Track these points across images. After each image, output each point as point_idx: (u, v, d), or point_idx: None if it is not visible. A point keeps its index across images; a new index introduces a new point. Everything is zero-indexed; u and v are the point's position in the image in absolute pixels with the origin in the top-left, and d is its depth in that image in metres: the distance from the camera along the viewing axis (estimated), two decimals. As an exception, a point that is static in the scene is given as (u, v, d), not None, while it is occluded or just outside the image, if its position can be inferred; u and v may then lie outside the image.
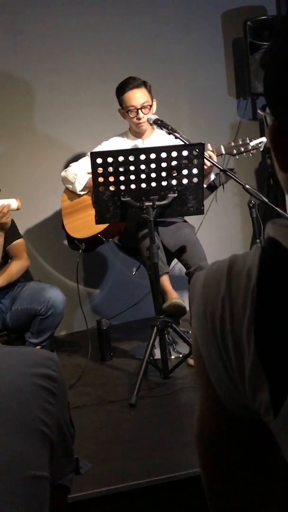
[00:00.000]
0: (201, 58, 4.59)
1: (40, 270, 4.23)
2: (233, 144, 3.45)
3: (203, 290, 0.78)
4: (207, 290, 0.77)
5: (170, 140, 3.37)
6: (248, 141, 3.43)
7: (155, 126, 3.48)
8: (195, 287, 0.79)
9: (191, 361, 3.32)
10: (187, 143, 3.20)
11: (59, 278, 4.29)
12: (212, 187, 3.56)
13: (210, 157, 3.26)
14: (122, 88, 3.51)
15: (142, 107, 3.47)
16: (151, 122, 3.43)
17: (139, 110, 3.47)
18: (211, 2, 4.58)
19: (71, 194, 3.63)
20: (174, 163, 3.07)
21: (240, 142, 3.44)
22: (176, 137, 3.27)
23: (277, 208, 3.32)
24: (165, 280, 3.30)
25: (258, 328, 0.71)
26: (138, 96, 3.47)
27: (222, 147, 3.45)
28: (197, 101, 4.59)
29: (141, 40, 4.43)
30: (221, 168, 3.22)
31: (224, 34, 4.65)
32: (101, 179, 3.08)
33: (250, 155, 3.50)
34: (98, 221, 3.19)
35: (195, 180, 3.12)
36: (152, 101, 3.51)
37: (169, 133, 3.31)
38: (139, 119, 3.48)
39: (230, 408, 0.77)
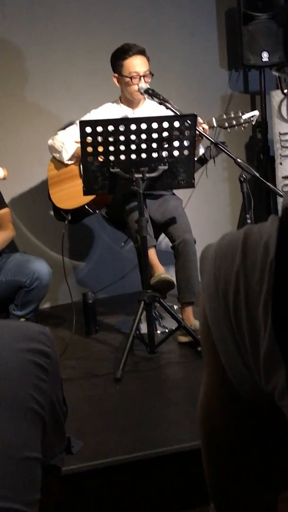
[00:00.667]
0: (193, 29, 4.49)
1: (25, 241, 4.16)
2: (225, 116, 3.38)
3: (215, 264, 0.72)
4: (219, 264, 0.71)
5: (161, 111, 3.29)
6: (240, 114, 3.36)
7: (146, 96, 3.39)
8: (206, 259, 0.73)
9: (180, 338, 3.29)
10: (179, 114, 3.13)
11: (44, 249, 4.22)
12: (203, 160, 3.49)
13: (203, 130, 3.19)
14: (124, 53, 3.40)
15: (145, 75, 3.37)
16: (142, 91, 3.33)
17: (142, 78, 3.37)
18: None
19: (58, 163, 3.54)
20: (165, 134, 2.99)
21: (232, 115, 3.37)
22: (167, 108, 3.19)
23: (268, 183, 3.28)
24: (152, 254, 3.25)
25: (276, 305, 0.65)
26: (142, 63, 3.39)
27: (213, 119, 3.37)
28: (188, 72, 4.51)
29: (132, 10, 4.32)
30: (213, 141, 3.16)
31: (217, 4, 4.56)
32: (89, 149, 3.00)
33: (242, 128, 3.43)
34: (86, 192, 3.11)
35: (186, 152, 3.05)
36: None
37: (160, 103, 3.23)
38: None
39: (241, 390, 0.72)
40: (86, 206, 3.43)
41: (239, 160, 3.13)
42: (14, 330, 1.03)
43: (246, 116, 3.36)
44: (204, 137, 3.20)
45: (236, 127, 3.37)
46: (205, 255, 0.74)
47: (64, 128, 3.70)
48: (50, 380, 1.01)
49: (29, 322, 1.10)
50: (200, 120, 3.27)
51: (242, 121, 3.35)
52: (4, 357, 0.98)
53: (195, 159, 3.36)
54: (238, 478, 0.77)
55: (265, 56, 4.32)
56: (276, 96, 4.19)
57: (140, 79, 3.38)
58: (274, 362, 0.67)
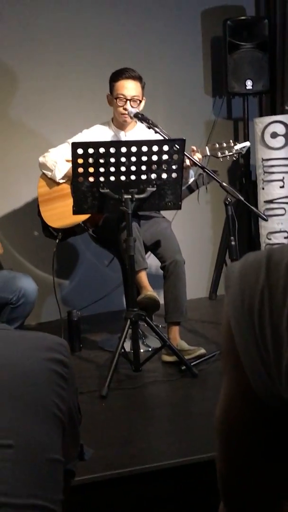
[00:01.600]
0: (179, 55, 4.61)
1: (11, 258, 4.19)
2: (217, 146, 3.48)
3: (241, 280, 0.79)
4: (244, 280, 0.79)
5: (151, 135, 3.37)
6: (232, 144, 3.47)
7: (136, 120, 3.48)
8: (232, 275, 0.81)
9: (164, 357, 3.34)
10: (167, 138, 3.22)
11: (29, 266, 4.26)
12: (192, 189, 3.59)
13: (199, 159, 3.29)
14: (118, 75, 3.50)
15: (132, 99, 3.47)
16: (131, 115, 3.43)
17: (128, 101, 3.46)
18: (192, 0, 4.60)
19: (49, 180, 3.59)
20: (154, 157, 3.08)
21: (225, 145, 3.47)
22: (156, 132, 3.28)
23: (252, 207, 3.38)
24: (143, 275, 3.30)
25: None
26: (131, 87, 3.47)
27: (207, 148, 3.48)
28: (173, 97, 4.62)
29: (120, 35, 4.43)
30: (206, 169, 3.25)
31: (203, 32, 4.69)
32: (80, 170, 3.07)
33: (234, 158, 3.55)
34: (75, 212, 3.17)
35: (174, 175, 3.14)
36: (142, 98, 3.52)
37: (149, 127, 3.32)
38: (125, 109, 3.47)
39: (262, 396, 0.79)
40: (83, 224, 3.48)
41: (224, 184, 3.22)
42: (35, 340, 1.09)
43: (238, 146, 3.47)
44: (195, 165, 3.29)
45: (228, 156, 3.48)
46: (230, 272, 0.81)
47: (50, 148, 3.76)
48: (68, 388, 1.07)
49: (46, 333, 1.15)
50: (193, 147, 3.38)
51: (234, 151, 3.46)
52: (29, 366, 1.03)
53: (186, 186, 3.46)
54: (252, 481, 0.83)
55: (249, 84, 4.46)
56: (260, 123, 4.31)
57: (126, 102, 3.47)
58: None
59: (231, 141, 3.50)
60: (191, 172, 3.53)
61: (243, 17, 4.61)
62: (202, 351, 3.31)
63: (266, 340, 0.76)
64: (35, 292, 3.37)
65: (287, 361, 0.74)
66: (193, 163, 3.28)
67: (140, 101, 3.50)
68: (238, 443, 0.83)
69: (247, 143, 3.55)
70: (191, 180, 3.58)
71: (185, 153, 3.15)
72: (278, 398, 0.77)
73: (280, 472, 0.82)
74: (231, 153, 3.46)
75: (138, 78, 3.50)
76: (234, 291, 0.80)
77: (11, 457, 0.96)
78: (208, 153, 3.47)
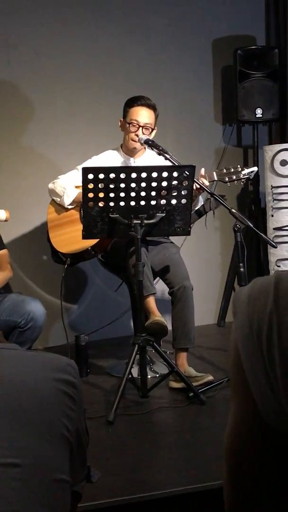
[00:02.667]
0: (190, 83, 4.67)
1: (20, 282, 4.20)
2: (225, 171, 3.50)
3: (249, 305, 0.79)
4: (253, 305, 0.79)
5: (160, 161, 3.39)
6: (240, 169, 3.48)
7: (146, 146, 3.51)
8: (240, 300, 0.81)
9: (172, 383, 3.32)
10: (177, 164, 3.24)
11: (38, 290, 4.27)
12: (201, 213, 3.60)
13: (203, 183, 3.31)
14: (134, 101, 3.54)
15: (145, 126, 3.50)
16: (142, 142, 3.46)
17: (141, 128, 3.49)
18: (203, 29, 4.67)
19: (58, 206, 3.62)
20: (164, 183, 3.10)
21: (232, 170, 3.49)
22: (166, 158, 3.31)
23: (261, 234, 3.38)
24: (151, 301, 3.30)
25: None
26: (145, 115, 3.50)
27: (214, 173, 3.50)
28: (184, 125, 4.66)
29: (132, 62, 4.49)
30: (214, 194, 3.27)
31: (214, 61, 4.74)
32: (91, 195, 3.09)
33: (242, 183, 3.56)
34: (84, 236, 3.19)
35: (183, 201, 3.15)
36: (154, 127, 3.55)
37: (159, 154, 3.35)
38: (137, 135, 3.50)
39: (270, 422, 0.78)
40: (91, 250, 3.49)
41: (233, 210, 3.23)
42: (45, 360, 1.09)
43: (246, 171, 3.49)
44: (204, 190, 3.30)
45: (236, 182, 3.49)
46: (238, 297, 0.81)
47: (61, 174, 3.79)
48: (77, 409, 1.06)
49: (55, 354, 1.15)
50: (202, 172, 3.39)
51: (241, 176, 3.47)
52: (39, 385, 1.03)
53: (194, 210, 3.47)
54: (261, 508, 0.82)
55: (259, 112, 4.49)
56: (269, 151, 4.34)
57: (138, 128, 3.50)
58: None
59: (238, 166, 3.52)
60: (200, 198, 3.55)
61: (253, 47, 4.67)
62: (210, 377, 3.29)
63: (274, 366, 0.76)
64: (44, 316, 3.37)
65: None
66: (201, 189, 3.30)
67: (152, 130, 3.54)
68: (245, 470, 0.83)
69: (255, 168, 3.57)
70: (200, 204, 3.59)
71: (194, 179, 3.16)
72: (286, 423, 0.77)
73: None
74: (238, 178, 3.48)
75: (153, 107, 3.54)
76: (242, 316, 0.79)
77: (18, 476, 0.96)
78: (216, 178, 3.49)
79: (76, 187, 3.51)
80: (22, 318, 3.31)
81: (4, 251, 3.52)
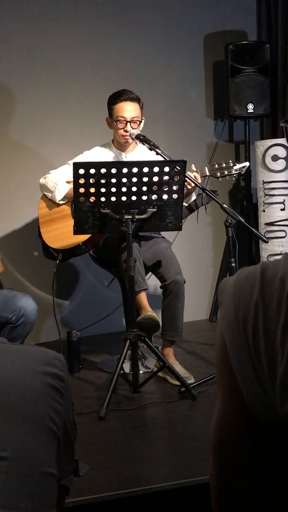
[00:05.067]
0: (182, 78, 4.66)
1: (10, 278, 4.19)
2: (217, 166, 3.49)
3: (235, 294, 0.79)
4: (238, 294, 0.79)
5: (152, 156, 3.39)
6: (231, 164, 3.48)
7: (137, 141, 3.51)
8: (226, 290, 0.80)
9: (172, 380, 3.32)
10: (168, 159, 3.24)
11: (29, 286, 4.26)
12: (192, 208, 3.60)
13: (194, 178, 3.30)
14: (116, 98, 3.52)
15: (132, 121, 3.49)
16: (133, 136, 3.45)
17: (128, 123, 3.49)
18: (195, 24, 4.66)
19: (49, 202, 3.61)
20: (155, 178, 3.09)
21: (224, 165, 3.48)
22: (157, 153, 3.30)
23: (253, 229, 3.38)
24: (143, 296, 3.30)
25: None
26: (130, 109, 3.49)
27: (206, 168, 3.49)
28: (175, 120, 4.65)
29: (123, 57, 4.47)
30: (205, 189, 3.26)
31: (205, 56, 4.73)
32: (82, 190, 3.08)
33: (233, 178, 3.56)
34: (76, 232, 3.18)
35: (175, 196, 3.15)
36: (141, 119, 3.54)
37: (150, 149, 3.34)
38: (126, 131, 3.49)
39: (256, 411, 0.78)
40: (82, 245, 3.48)
41: (225, 206, 3.23)
42: (33, 354, 1.09)
43: (237, 166, 3.48)
44: (196, 185, 3.30)
45: (228, 177, 3.48)
46: (224, 287, 0.81)
47: (52, 169, 3.78)
48: (64, 402, 1.06)
49: (43, 347, 1.15)
50: (193, 167, 3.39)
51: (233, 171, 3.47)
52: (26, 379, 1.03)
53: (185, 205, 3.46)
54: (246, 500, 0.82)
55: (250, 107, 4.49)
56: (261, 146, 4.34)
57: (126, 124, 3.49)
58: None
59: (230, 161, 3.51)
60: (193, 194, 3.54)
61: (245, 42, 4.66)
62: (191, 380, 3.28)
63: (260, 355, 0.76)
64: (35, 312, 3.36)
65: (281, 375, 0.74)
66: (194, 184, 3.29)
67: (140, 122, 3.53)
68: (231, 460, 0.82)
69: (246, 163, 3.56)
70: (192, 200, 3.58)
71: (185, 174, 3.16)
72: (272, 413, 0.77)
73: (274, 490, 0.81)
74: (230, 174, 3.47)
75: (137, 99, 3.53)
76: (228, 306, 0.79)
77: (4, 469, 0.96)
78: (208, 173, 3.48)
79: (68, 182, 3.50)
80: (14, 313, 3.30)
81: (-5, 247, 3.51)
